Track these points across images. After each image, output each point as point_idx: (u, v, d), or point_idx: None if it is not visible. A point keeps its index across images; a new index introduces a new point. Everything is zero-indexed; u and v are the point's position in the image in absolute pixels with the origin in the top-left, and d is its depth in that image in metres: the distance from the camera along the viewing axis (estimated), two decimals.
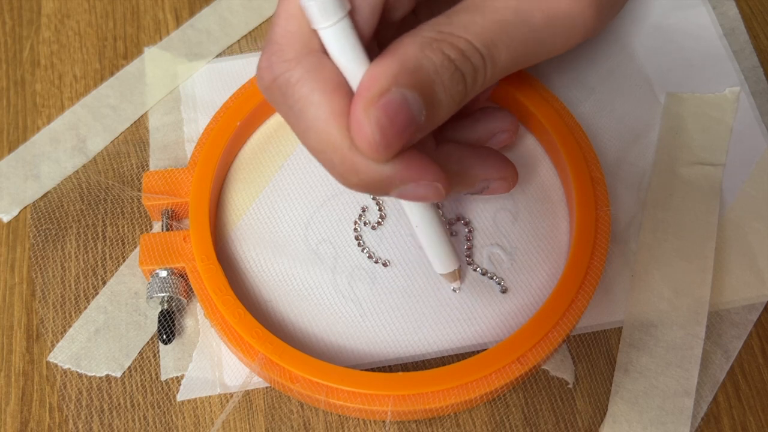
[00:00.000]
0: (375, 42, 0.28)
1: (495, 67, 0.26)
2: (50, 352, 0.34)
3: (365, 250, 0.36)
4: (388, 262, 0.36)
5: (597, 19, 0.27)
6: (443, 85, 0.25)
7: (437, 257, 0.33)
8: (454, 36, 0.25)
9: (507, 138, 0.35)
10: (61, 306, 0.35)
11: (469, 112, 0.34)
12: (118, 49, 0.42)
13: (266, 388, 0.33)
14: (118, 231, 0.37)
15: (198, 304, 0.35)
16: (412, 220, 0.32)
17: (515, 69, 0.27)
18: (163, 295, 0.33)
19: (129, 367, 0.34)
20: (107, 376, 0.34)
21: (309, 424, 0.33)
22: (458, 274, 0.34)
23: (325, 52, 0.26)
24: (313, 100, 0.25)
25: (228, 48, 0.42)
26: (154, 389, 0.33)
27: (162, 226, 0.35)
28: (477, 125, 0.34)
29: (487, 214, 0.37)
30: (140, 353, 0.34)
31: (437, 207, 0.31)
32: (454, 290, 0.35)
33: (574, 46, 0.28)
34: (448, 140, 0.32)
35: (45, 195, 0.38)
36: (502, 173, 0.33)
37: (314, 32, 0.26)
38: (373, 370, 0.33)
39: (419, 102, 0.25)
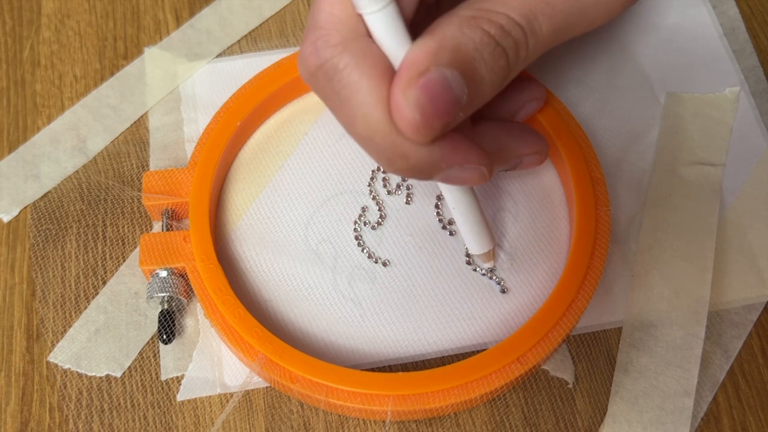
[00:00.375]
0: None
1: (537, 39, 0.26)
2: (50, 352, 0.34)
3: (365, 250, 0.36)
4: (388, 262, 0.36)
5: None
6: (484, 61, 0.25)
7: (474, 238, 0.34)
8: (492, 12, 0.25)
9: (537, 106, 0.35)
10: (62, 306, 0.35)
11: None
12: (118, 49, 0.42)
13: (266, 388, 0.33)
14: (118, 231, 0.37)
15: (198, 304, 0.35)
16: (449, 201, 0.32)
17: (557, 41, 0.27)
18: (163, 295, 0.33)
19: (129, 367, 0.34)
20: (107, 376, 0.34)
21: (309, 424, 0.33)
22: (492, 254, 0.35)
23: (371, 36, 0.26)
24: (361, 86, 0.25)
25: (228, 48, 0.42)
26: (154, 389, 0.33)
27: (162, 226, 0.35)
28: (507, 97, 0.34)
29: (487, 214, 0.37)
30: (140, 353, 0.34)
31: (473, 188, 0.32)
32: (488, 269, 0.35)
33: (616, 15, 0.27)
34: (481, 118, 0.32)
35: (45, 195, 0.38)
36: (536, 148, 0.33)
37: (359, 16, 0.25)
38: (373, 370, 0.33)
39: (460, 81, 0.24)
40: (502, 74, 0.26)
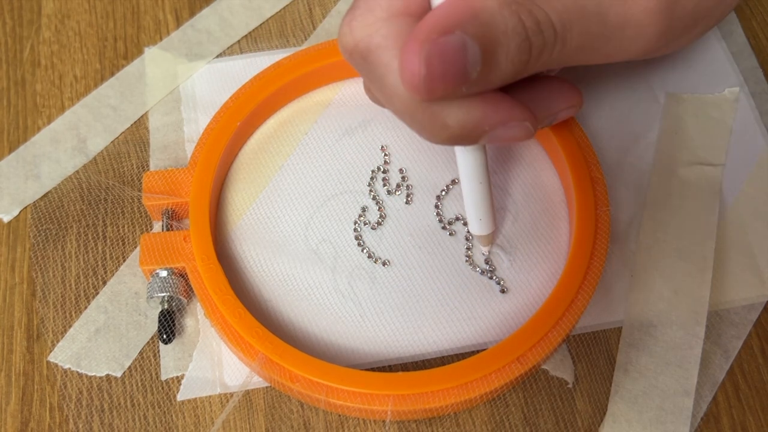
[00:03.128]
0: None
1: (563, 48, 0.25)
2: (50, 351, 0.34)
3: (365, 250, 0.36)
4: (388, 262, 0.36)
5: (659, 40, 0.27)
6: (508, 49, 0.24)
7: (478, 217, 0.33)
8: (535, 5, 0.24)
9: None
10: (62, 306, 0.35)
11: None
12: (118, 50, 0.42)
13: (266, 387, 0.33)
14: (118, 231, 0.37)
15: (198, 303, 0.35)
16: (462, 175, 0.31)
17: (576, 61, 0.26)
18: (163, 294, 0.33)
19: (129, 367, 0.34)
20: (107, 375, 0.34)
21: (309, 424, 0.33)
22: (492, 239, 0.35)
23: (407, 15, 0.25)
24: (394, 66, 0.25)
25: (228, 48, 0.42)
26: (154, 389, 0.33)
27: (162, 226, 0.35)
28: (544, 102, 0.32)
29: None
30: (140, 353, 0.34)
31: (487, 167, 0.31)
32: (488, 269, 0.35)
33: (632, 57, 0.27)
34: None
35: (45, 195, 0.38)
36: (571, 101, 0.31)
37: None
38: (373, 370, 0.33)
39: (477, 55, 0.23)
40: (518, 67, 0.25)
